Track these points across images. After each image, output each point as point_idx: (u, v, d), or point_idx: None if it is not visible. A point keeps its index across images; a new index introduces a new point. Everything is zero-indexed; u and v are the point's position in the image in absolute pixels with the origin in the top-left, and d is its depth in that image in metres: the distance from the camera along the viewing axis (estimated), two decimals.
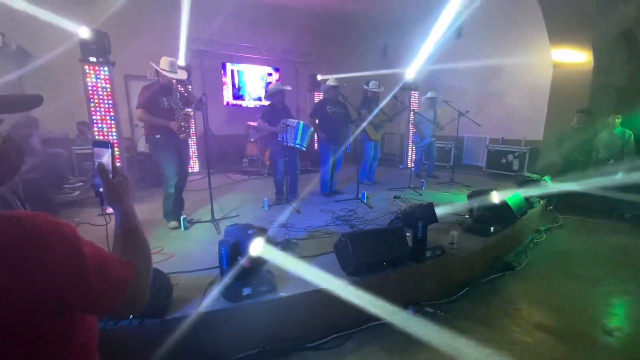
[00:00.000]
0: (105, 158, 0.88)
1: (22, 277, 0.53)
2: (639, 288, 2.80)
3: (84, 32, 3.45)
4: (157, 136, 3.11)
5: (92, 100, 3.70)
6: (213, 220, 3.37)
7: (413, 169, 6.14)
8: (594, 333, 2.19)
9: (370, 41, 9.34)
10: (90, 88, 3.67)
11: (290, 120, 3.83)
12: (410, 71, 6.87)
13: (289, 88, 4.28)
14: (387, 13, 7.38)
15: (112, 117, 3.84)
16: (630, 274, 3.03)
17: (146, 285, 0.76)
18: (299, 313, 2.10)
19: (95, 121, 3.75)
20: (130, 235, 0.80)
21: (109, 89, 3.76)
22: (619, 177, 4.70)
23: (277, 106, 4.10)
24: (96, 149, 0.90)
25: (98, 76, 3.68)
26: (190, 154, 6.30)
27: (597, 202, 4.86)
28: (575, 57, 5.19)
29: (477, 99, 6.76)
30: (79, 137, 5.48)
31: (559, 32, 5.24)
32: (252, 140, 6.75)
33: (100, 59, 3.66)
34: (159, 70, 3.08)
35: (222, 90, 7.05)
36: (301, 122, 3.84)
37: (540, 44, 5.61)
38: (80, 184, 4.46)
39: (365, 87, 5.14)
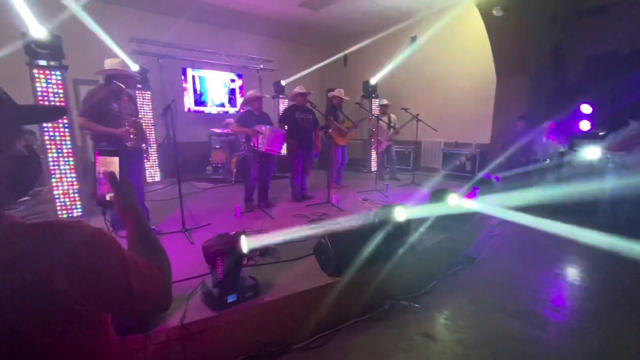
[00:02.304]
0: (114, 167, 0.89)
1: (75, 279, 0.55)
2: (578, 270, 3.23)
3: (40, 33, 3.20)
4: (104, 143, 2.96)
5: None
6: (184, 230, 3.27)
7: (377, 172, 6.44)
8: (544, 311, 2.50)
9: (331, 50, 9.63)
10: (40, 93, 3.39)
11: (262, 126, 3.85)
12: (370, 80, 7.23)
13: (267, 96, 4.32)
14: (346, 24, 7.67)
15: (66, 125, 3.58)
16: (571, 259, 3.47)
17: (170, 285, 0.79)
18: (284, 316, 2.14)
19: (46, 129, 3.47)
20: (147, 239, 0.82)
21: (61, 95, 3.51)
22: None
23: (253, 113, 4.10)
24: (100, 158, 0.90)
25: (49, 81, 3.42)
26: (147, 163, 6.02)
27: (538, 196, 5.49)
28: (515, 70, 5.82)
29: (432, 105, 7.27)
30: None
31: (505, 65, 5.89)
32: (218, 147, 6.60)
33: (52, 63, 3.41)
34: (119, 70, 2.93)
35: (182, 96, 6.83)
36: (271, 128, 3.88)
37: (485, 56, 6.19)
38: (27, 198, 4.06)
39: (330, 94, 5.31)
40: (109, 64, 2.98)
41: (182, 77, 6.81)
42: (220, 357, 1.92)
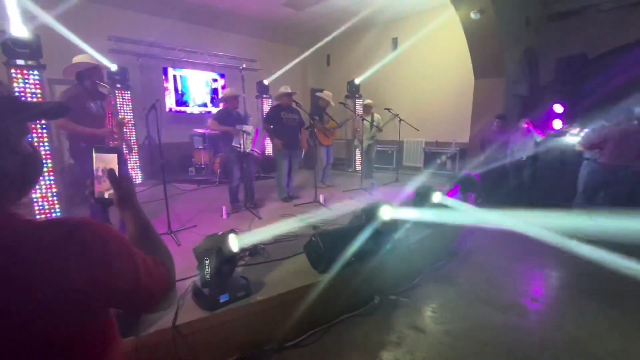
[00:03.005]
0: (113, 164, 0.89)
1: (90, 275, 0.56)
2: (553, 261, 3.41)
3: (20, 32, 3.07)
4: (82, 144, 2.87)
5: None
6: (170, 232, 3.22)
7: (361, 171, 6.53)
8: (524, 301, 2.63)
9: (314, 50, 9.66)
10: (17, 93, 3.25)
11: (246, 126, 3.84)
12: (353, 79, 7.32)
13: (243, 95, 4.29)
14: (329, 25, 7.72)
15: (43, 126, 3.44)
16: (544, 250, 3.65)
17: (174, 280, 0.79)
18: (277, 314, 2.16)
19: None
20: (147, 235, 0.82)
21: (39, 94, 3.38)
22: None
23: (231, 112, 4.06)
24: (97, 155, 0.89)
25: (27, 80, 3.28)
26: (129, 165, 5.86)
27: (515, 195, 5.76)
28: (492, 71, 6.05)
29: (414, 105, 7.44)
30: None
31: (482, 67, 6.10)
32: (201, 147, 6.50)
33: (30, 62, 3.28)
34: (85, 63, 2.87)
35: (164, 96, 6.68)
36: (255, 128, 3.89)
37: (463, 58, 6.40)
38: None
39: (318, 94, 5.34)
40: (75, 60, 2.91)
41: (163, 77, 6.66)
42: (214, 357, 1.92)
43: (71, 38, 4.80)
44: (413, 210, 3.81)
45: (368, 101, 6.45)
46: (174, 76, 6.81)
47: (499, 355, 2.04)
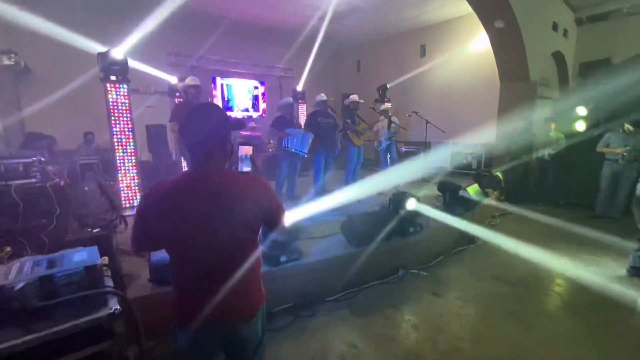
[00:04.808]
0: (250, 151, 1.53)
1: (267, 203, 1.18)
2: (563, 251, 3.73)
3: (118, 54, 3.96)
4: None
5: (112, 114, 4.14)
6: None
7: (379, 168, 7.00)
8: (531, 279, 3.04)
9: (346, 57, 10.26)
10: (111, 103, 4.11)
11: (293, 129, 4.51)
12: (385, 84, 7.82)
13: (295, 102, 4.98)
14: (360, 34, 8.29)
15: (130, 129, 4.29)
16: (557, 242, 3.97)
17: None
18: (321, 275, 2.75)
19: (115, 133, 4.18)
20: None
21: (127, 104, 4.22)
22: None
23: (286, 117, 4.76)
24: (241, 147, 1.54)
25: (118, 93, 4.14)
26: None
27: (538, 192, 6.00)
28: (517, 75, 6.31)
29: (442, 108, 7.81)
30: (82, 146, 5.74)
31: (507, 71, 6.39)
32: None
33: (120, 77, 4.13)
34: (193, 85, 3.95)
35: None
36: (302, 131, 4.53)
37: (489, 62, 6.70)
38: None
39: (347, 101, 5.92)
40: (187, 81, 4.13)
41: (212, 85, 7.54)
42: (276, 302, 2.55)
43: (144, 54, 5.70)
44: (437, 208, 4.27)
45: (386, 105, 6.92)
46: (221, 85, 7.67)
47: (500, 314, 2.50)
